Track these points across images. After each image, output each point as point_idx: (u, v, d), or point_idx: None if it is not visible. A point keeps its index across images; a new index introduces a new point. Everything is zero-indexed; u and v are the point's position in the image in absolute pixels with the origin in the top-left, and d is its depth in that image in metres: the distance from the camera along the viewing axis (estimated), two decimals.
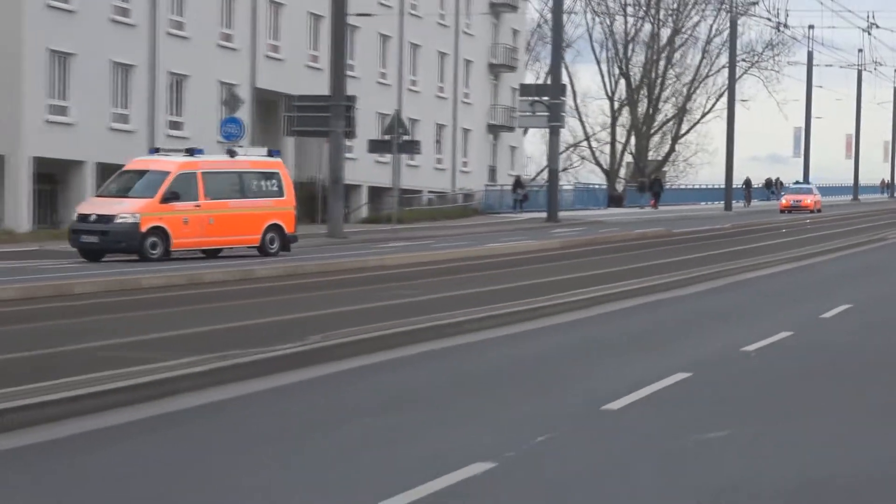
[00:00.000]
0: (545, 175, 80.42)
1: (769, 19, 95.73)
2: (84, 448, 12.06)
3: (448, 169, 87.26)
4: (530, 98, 74.95)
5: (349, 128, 53.58)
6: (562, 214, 70.00)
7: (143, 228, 36.65)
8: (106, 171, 58.13)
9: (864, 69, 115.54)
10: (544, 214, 69.87)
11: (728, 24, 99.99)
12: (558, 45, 74.63)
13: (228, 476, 11.00)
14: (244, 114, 53.28)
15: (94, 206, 39.24)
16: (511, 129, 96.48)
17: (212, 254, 38.13)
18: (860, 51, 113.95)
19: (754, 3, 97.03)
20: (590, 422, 13.27)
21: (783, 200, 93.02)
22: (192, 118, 62.05)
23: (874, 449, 12.07)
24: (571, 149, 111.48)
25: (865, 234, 54.44)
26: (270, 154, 41.75)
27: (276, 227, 38.99)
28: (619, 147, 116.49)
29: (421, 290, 27.39)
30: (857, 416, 14.08)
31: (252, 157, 41.17)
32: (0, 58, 52.52)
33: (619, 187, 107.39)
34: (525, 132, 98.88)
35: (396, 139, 60.48)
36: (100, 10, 56.82)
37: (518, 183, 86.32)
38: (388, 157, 65.58)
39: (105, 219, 37.02)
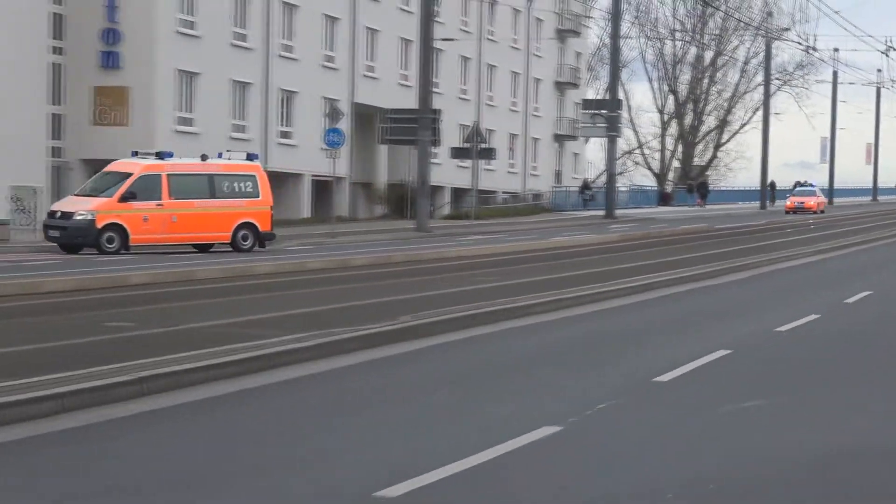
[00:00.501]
0: (604, 178, 79.96)
1: (799, 43, 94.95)
2: (224, 406, 12.37)
3: (519, 172, 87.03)
4: (591, 111, 74.77)
5: (434, 137, 53.60)
6: (618, 212, 69.73)
7: (99, 225, 35.84)
8: None
9: (883, 86, 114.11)
10: (603, 212, 69.77)
11: (763, 48, 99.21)
12: (615, 66, 74.29)
13: (331, 433, 11.11)
14: (344, 125, 53.32)
15: (63, 204, 38.67)
16: (574, 138, 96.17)
17: (203, 248, 37.22)
18: (879, 70, 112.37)
19: (786, 29, 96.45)
20: (643, 392, 13.27)
21: (788, 202, 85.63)
22: (300, 129, 62.22)
23: None
24: (626, 155, 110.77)
25: (878, 231, 53.93)
26: (249, 158, 39.90)
27: (249, 225, 37.51)
28: (667, 154, 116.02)
29: (496, 277, 27.34)
30: (882, 387, 14.03)
31: (225, 161, 39.42)
32: (136, 76, 52.94)
33: (668, 188, 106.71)
34: (586, 141, 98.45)
35: (475, 147, 60.43)
36: (221, 36, 57.07)
37: (586, 185, 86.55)
38: (467, 162, 65.50)
39: (66, 216, 36.48)
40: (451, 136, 67.25)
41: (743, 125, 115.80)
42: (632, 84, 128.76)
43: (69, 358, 13.69)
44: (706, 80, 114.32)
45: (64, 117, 52.71)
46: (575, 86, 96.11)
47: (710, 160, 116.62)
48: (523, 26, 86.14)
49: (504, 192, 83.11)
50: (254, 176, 38.38)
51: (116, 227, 35.88)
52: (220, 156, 39.52)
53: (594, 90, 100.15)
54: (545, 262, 33.00)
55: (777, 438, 10.96)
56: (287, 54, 61.81)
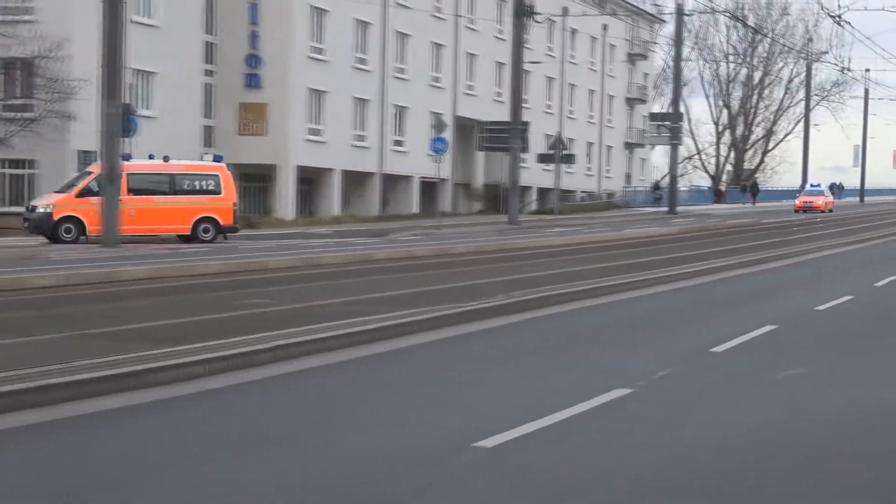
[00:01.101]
0: (667, 179, 79.51)
1: (836, 65, 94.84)
2: (344, 370, 12.38)
3: (595, 175, 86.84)
4: (657, 123, 74.76)
5: (523, 145, 53.65)
6: (679, 209, 69.22)
7: (56, 217, 35.09)
8: (348, 176, 58.90)
9: None
10: (667, 209, 69.41)
11: (805, 69, 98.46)
12: (678, 84, 73.80)
13: (438, 392, 11.22)
14: (448, 134, 53.37)
15: (38, 199, 38.15)
16: (642, 145, 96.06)
17: (187, 239, 35.69)
18: None
19: (825, 53, 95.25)
20: (701, 360, 13.16)
21: (797, 201, 76.96)
22: (411, 138, 62.44)
23: None
24: (686, 160, 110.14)
25: (891, 226, 53.04)
26: (216, 159, 38.63)
27: (209, 219, 36.15)
28: (721, 159, 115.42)
29: (575, 263, 27.26)
30: None
31: (188, 162, 38.24)
32: (274, 94, 53.38)
33: (722, 188, 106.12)
34: (652, 148, 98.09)
35: (558, 153, 60.40)
36: (345, 60, 57.37)
37: (656, 185, 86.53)
38: (551, 166, 65.42)
39: (33, 209, 36.21)
40: (537, 143, 67.26)
41: (786, 135, 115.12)
42: (691, 100, 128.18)
43: (216, 329, 13.81)
44: (755, 97, 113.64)
45: (214, 128, 53.25)
46: (643, 101, 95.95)
47: (758, 164, 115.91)
48: (599, 51, 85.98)
49: (582, 192, 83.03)
50: (217, 175, 37.12)
51: (73, 220, 35.07)
52: (218, 158, 38.93)
53: (659, 105, 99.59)
54: (617, 250, 32.84)
55: (820, 397, 10.96)
56: (400, 75, 62.02)
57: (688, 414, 10.20)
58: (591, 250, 33.32)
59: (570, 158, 65.63)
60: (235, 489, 7.48)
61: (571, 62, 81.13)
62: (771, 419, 9.88)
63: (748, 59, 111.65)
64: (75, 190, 35.87)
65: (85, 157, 42.14)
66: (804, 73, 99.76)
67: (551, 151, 61.82)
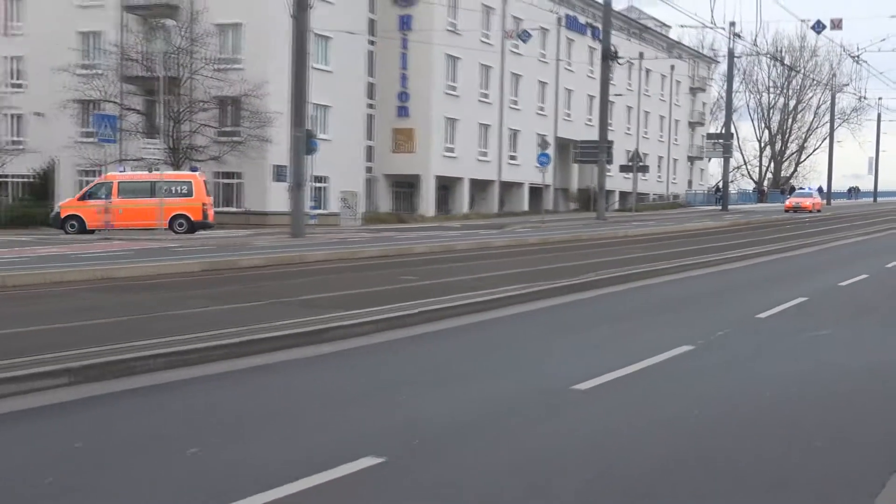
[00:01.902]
0: (721, 184, 78.18)
1: (854, 94, 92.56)
2: (472, 331, 12.36)
3: (664, 181, 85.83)
4: (712, 141, 73.41)
5: (608, 158, 53.17)
6: (730, 207, 68.01)
7: (63, 216, 35.98)
8: (474, 183, 59.03)
9: None
10: (720, 207, 68.32)
11: (830, 98, 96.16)
12: (729, 110, 72.40)
13: (543, 348, 11.22)
14: (550, 151, 53.14)
15: (59, 202, 39.02)
16: (700, 158, 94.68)
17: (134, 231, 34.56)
18: None
19: (846, 85, 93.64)
20: (748, 324, 12.99)
21: (787, 202, 66.76)
22: (522, 153, 62.38)
23: None
24: (735, 169, 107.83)
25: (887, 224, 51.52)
26: (192, 170, 37.70)
27: (183, 216, 35.34)
28: (763, 168, 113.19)
29: (648, 248, 27.03)
30: None
31: (167, 172, 37.35)
32: (419, 121, 53.77)
33: (764, 190, 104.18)
34: (709, 160, 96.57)
35: (635, 164, 59.68)
36: (472, 94, 57.55)
37: (717, 188, 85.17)
38: (630, 175, 64.82)
39: (53, 209, 37.67)
40: (619, 157, 66.62)
41: (815, 150, 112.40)
42: (739, 122, 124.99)
43: (378, 298, 14.02)
44: (790, 120, 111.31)
45: (374, 148, 53.82)
46: (701, 124, 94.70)
47: (792, 173, 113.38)
48: (667, 86, 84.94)
49: (654, 194, 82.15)
50: (190, 182, 36.05)
51: (76, 217, 35.69)
52: (193, 169, 38.30)
53: (714, 127, 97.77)
54: (681, 240, 32.45)
55: (842, 354, 10.77)
56: (513, 106, 61.99)
57: (739, 364, 10.10)
58: (661, 239, 33.01)
59: (644, 169, 65.05)
60: (398, 412, 7.69)
61: (646, 95, 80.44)
62: (804, 368, 9.83)
63: (784, 90, 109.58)
64: (78, 195, 36.87)
65: (278, 171, 42.82)
66: (829, 102, 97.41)
67: (630, 163, 61.17)
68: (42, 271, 17.46)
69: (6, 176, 52.02)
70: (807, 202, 65.44)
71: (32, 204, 47.10)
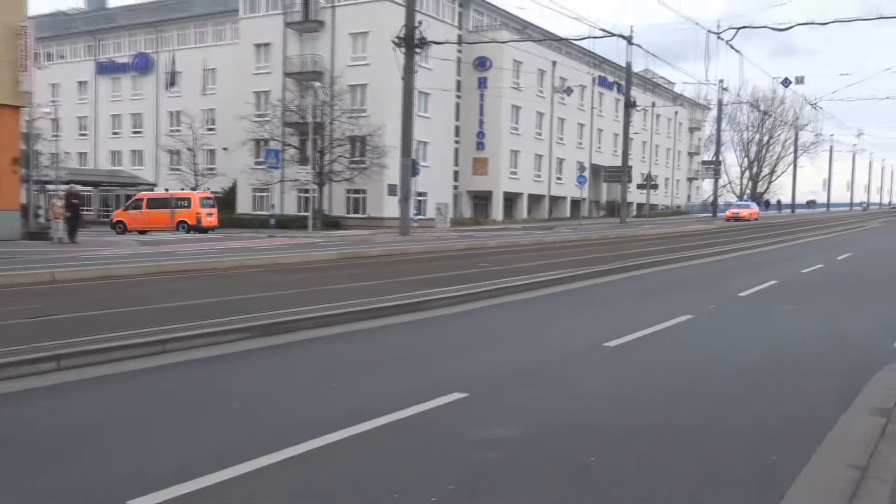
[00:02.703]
0: (711, 198, 76.10)
1: (813, 132, 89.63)
2: (530, 304, 12.15)
3: (669, 195, 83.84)
4: (706, 166, 71.58)
5: (629, 179, 52.26)
6: (718, 214, 66.22)
7: (114, 220, 36.54)
8: (530, 197, 58.52)
9: (855, 152, 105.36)
10: (711, 214, 66.64)
11: (793, 134, 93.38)
12: (718, 144, 70.60)
13: (579, 315, 11.06)
14: (587, 173, 52.39)
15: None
16: (696, 178, 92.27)
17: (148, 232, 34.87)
18: (854, 144, 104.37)
19: (806, 125, 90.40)
20: (732, 300, 12.64)
21: (728, 213, 57.23)
22: (565, 175, 61.61)
23: (871, 317, 11.12)
24: (723, 187, 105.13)
25: (840, 227, 49.60)
26: (192, 188, 38.44)
27: (183, 222, 35.42)
28: (743, 186, 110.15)
29: (659, 244, 26.49)
30: (859, 300, 12.96)
31: (176, 190, 37.54)
32: (491, 153, 53.48)
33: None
34: (703, 180, 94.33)
35: (648, 183, 58.51)
36: (530, 132, 57.05)
37: (713, 202, 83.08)
38: (644, 191, 63.65)
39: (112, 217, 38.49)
40: (636, 178, 65.41)
41: (783, 172, 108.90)
42: (726, 152, 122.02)
43: (461, 279, 14.01)
44: (764, 151, 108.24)
45: (459, 171, 53.76)
46: (697, 153, 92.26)
47: (765, 189, 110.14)
48: (673, 126, 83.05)
49: (662, 205, 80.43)
50: (189, 198, 36.62)
51: (121, 222, 36.19)
52: (193, 189, 39.33)
53: (707, 155, 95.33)
54: (680, 237, 31.77)
55: (803, 325, 10.33)
56: (559, 141, 61.29)
57: (728, 328, 9.84)
58: (666, 237, 32.32)
59: (655, 186, 63.61)
60: (475, 362, 7.68)
61: (657, 132, 78.78)
62: (775, 335, 9.50)
63: (760, 129, 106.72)
64: (123, 207, 38.38)
65: (391, 188, 43.08)
66: (793, 137, 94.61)
67: (644, 182, 59.98)
68: (242, 258, 17.84)
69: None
70: (744, 212, 56.42)
71: (221, 212, 48.14)
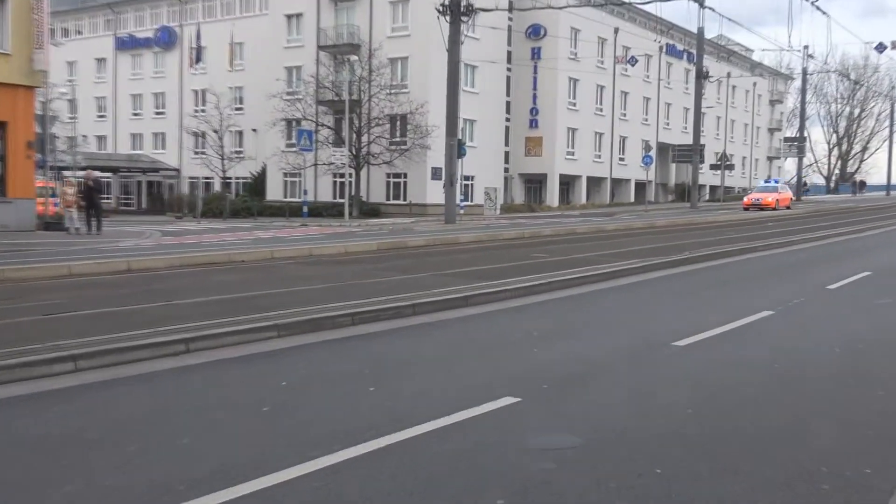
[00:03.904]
0: (795, 180, 74.75)
1: None
2: (589, 298, 12.12)
3: (747, 176, 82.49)
4: (788, 143, 70.10)
5: (701, 159, 51.56)
6: (803, 198, 65.03)
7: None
8: (590, 180, 58.14)
9: None
10: (796, 198, 65.38)
11: (889, 107, 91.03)
12: (802, 118, 69.16)
13: (652, 310, 10.97)
14: (653, 153, 51.77)
15: None
16: (778, 158, 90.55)
17: None
18: None
19: None
20: (821, 293, 12.41)
21: (746, 199, 47.62)
22: (629, 155, 61.09)
23: None
24: (808, 167, 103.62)
25: None
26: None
27: None
28: (831, 166, 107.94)
29: (735, 232, 26.08)
30: None
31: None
32: (546, 131, 53.23)
33: (833, 185, 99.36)
34: (785, 159, 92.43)
35: (723, 163, 57.62)
36: (589, 108, 56.57)
37: (805, 184, 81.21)
38: (718, 172, 62.68)
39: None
40: (709, 157, 64.50)
41: (877, 149, 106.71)
42: (811, 127, 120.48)
43: (512, 272, 13.98)
44: (854, 125, 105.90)
45: (510, 152, 53.62)
46: (779, 129, 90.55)
47: (856, 169, 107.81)
48: (750, 98, 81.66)
49: (738, 187, 79.15)
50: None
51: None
52: None
53: (790, 131, 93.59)
54: (760, 224, 31.16)
55: None
56: (622, 117, 60.71)
57: (812, 325, 9.65)
58: (744, 224, 31.77)
59: (730, 167, 62.60)
60: (530, 360, 7.65)
61: (732, 106, 77.55)
62: (867, 328, 9.32)
63: (850, 100, 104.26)
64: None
65: (435, 171, 43.18)
66: (889, 109, 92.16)
67: (718, 163, 59.12)
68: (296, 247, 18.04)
69: (230, 178, 54.09)
70: (769, 198, 45.06)
71: (250, 199, 48.81)
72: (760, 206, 44.36)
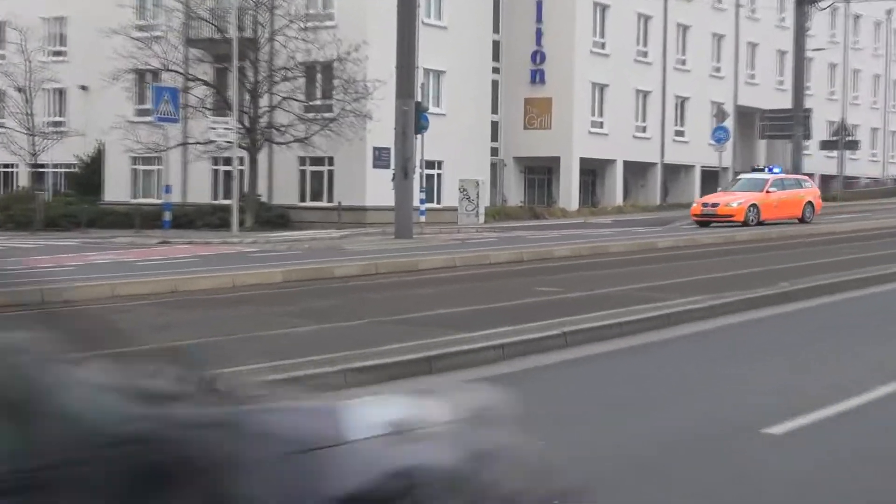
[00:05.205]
0: None
1: None
2: (634, 355, 12.33)
3: (880, 160, 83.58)
4: None
5: (806, 132, 52.39)
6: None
7: None
8: (629, 166, 58.64)
9: None
10: None
11: None
12: None
13: (725, 374, 11.00)
14: (729, 123, 52.45)
15: None
16: None
17: None
18: None
19: None
20: None
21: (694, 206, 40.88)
22: (691, 128, 61.68)
23: None
24: None
25: None
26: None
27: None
28: None
29: (859, 250, 26.28)
30: None
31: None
32: (558, 89, 53.61)
33: None
34: None
35: (841, 140, 58.61)
36: (627, 53, 57.12)
37: None
38: (834, 153, 63.58)
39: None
40: (819, 131, 65.42)
41: None
42: None
43: (507, 316, 13.98)
44: None
45: (499, 124, 53.86)
46: None
47: None
48: (883, 36, 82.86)
49: (867, 178, 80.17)
50: None
51: None
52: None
53: None
54: None
55: None
56: (680, 66, 61.37)
57: None
58: (877, 237, 32.10)
59: (854, 145, 63.73)
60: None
61: (855, 48, 78.62)
62: None
63: None
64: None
65: (379, 154, 43.24)
66: None
67: (835, 138, 60.15)
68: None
69: (45, 165, 53.59)
70: (733, 204, 37.76)
71: (77, 201, 48.36)
72: (715, 217, 37.99)
